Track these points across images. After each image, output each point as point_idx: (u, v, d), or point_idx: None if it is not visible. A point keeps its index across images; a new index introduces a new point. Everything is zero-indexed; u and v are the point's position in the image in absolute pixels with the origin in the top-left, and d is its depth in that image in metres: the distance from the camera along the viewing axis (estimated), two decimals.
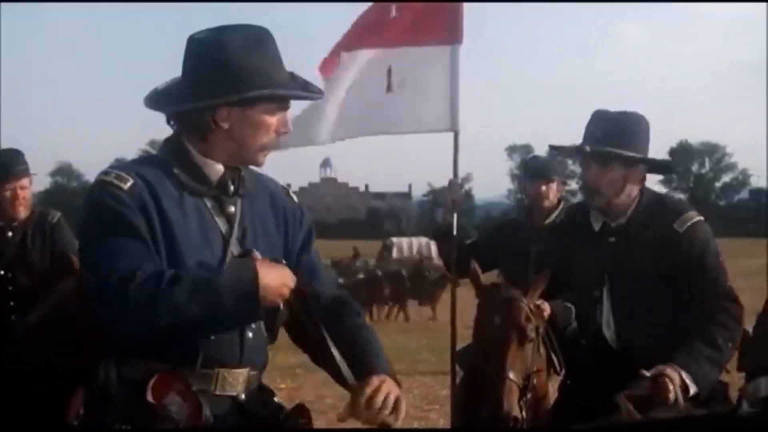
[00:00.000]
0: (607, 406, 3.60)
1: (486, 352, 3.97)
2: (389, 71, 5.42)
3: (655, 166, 4.17)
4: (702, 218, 3.95)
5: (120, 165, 2.75)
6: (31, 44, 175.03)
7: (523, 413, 3.81)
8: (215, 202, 2.75)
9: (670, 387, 3.47)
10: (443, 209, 5.59)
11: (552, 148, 4.28)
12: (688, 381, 3.54)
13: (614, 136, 3.88)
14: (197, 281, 2.50)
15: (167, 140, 2.80)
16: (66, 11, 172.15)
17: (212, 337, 2.64)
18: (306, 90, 2.82)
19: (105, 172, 2.66)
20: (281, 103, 2.76)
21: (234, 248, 2.73)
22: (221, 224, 2.74)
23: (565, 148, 4.17)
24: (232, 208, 2.76)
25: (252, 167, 2.85)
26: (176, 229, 2.63)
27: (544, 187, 5.63)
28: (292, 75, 2.79)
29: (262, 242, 2.80)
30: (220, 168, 2.75)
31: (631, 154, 3.90)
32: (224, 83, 2.64)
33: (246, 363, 2.74)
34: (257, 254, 2.65)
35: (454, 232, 5.33)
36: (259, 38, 2.73)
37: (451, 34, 5.39)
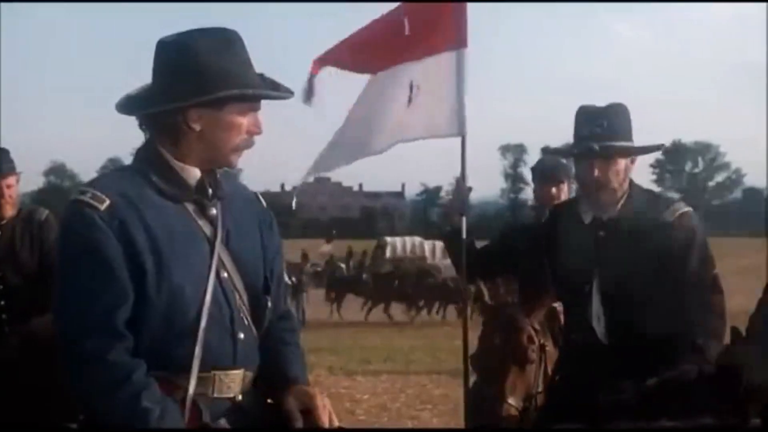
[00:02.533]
0: (596, 401, 3.61)
1: (487, 374, 3.96)
2: (411, 85, 5.40)
3: (648, 152, 4.22)
4: (691, 209, 4.01)
5: (98, 182, 2.72)
6: (24, 43, 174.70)
7: None
8: (196, 205, 2.74)
9: None
10: (451, 211, 5.55)
11: (546, 151, 4.30)
12: None
13: (613, 130, 3.96)
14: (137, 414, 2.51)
15: (140, 149, 2.79)
16: (62, 10, 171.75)
17: (205, 341, 2.64)
18: (276, 90, 2.81)
19: (82, 191, 2.64)
20: (252, 104, 2.75)
21: (220, 250, 2.73)
22: (204, 227, 2.74)
23: (565, 150, 4.20)
24: (213, 211, 2.76)
25: (226, 170, 2.86)
26: (161, 239, 2.62)
27: (554, 189, 5.61)
28: (261, 76, 2.78)
29: (245, 243, 2.83)
30: (197, 172, 2.75)
31: (632, 144, 4.00)
32: (193, 85, 2.64)
33: (240, 364, 2.75)
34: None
35: (463, 234, 5.31)
36: (227, 40, 2.73)
37: (456, 39, 5.37)
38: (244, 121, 2.73)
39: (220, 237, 2.75)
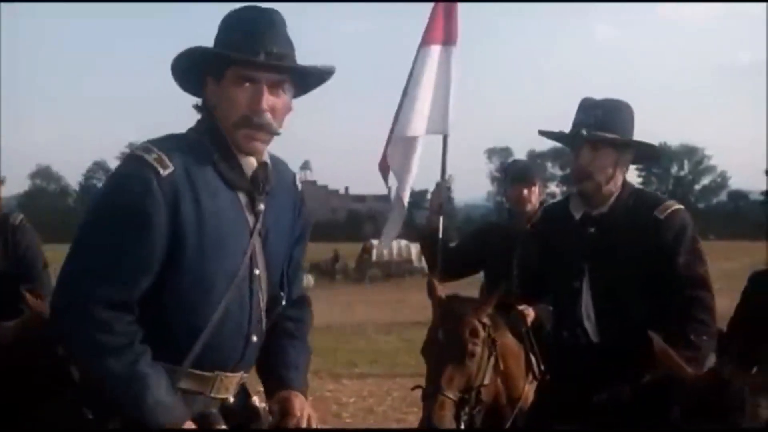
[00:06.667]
0: (587, 399, 3.60)
1: (427, 365, 3.98)
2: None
3: (643, 152, 4.21)
4: (682, 207, 4.01)
5: (163, 144, 2.56)
6: (12, 45, 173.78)
7: (462, 425, 3.82)
8: (248, 198, 2.64)
9: None
10: (429, 211, 5.58)
11: (541, 133, 4.29)
12: None
13: (605, 121, 3.96)
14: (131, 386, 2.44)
15: (200, 121, 2.68)
16: (52, 10, 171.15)
17: (218, 342, 2.58)
18: (277, 60, 2.58)
19: (147, 149, 2.51)
20: (248, 73, 2.57)
21: (258, 247, 2.66)
22: (250, 220, 2.65)
23: (556, 133, 4.19)
24: (261, 206, 2.66)
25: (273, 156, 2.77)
26: (209, 223, 2.52)
27: (525, 191, 5.63)
28: (270, 52, 2.57)
29: (278, 243, 2.75)
30: (253, 161, 2.65)
31: (622, 137, 3.98)
32: (207, 59, 2.60)
33: (242, 367, 2.71)
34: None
35: (440, 235, 5.32)
36: (249, 17, 2.62)
37: (445, 35, 5.37)
38: (242, 95, 2.57)
39: (260, 232, 2.65)
